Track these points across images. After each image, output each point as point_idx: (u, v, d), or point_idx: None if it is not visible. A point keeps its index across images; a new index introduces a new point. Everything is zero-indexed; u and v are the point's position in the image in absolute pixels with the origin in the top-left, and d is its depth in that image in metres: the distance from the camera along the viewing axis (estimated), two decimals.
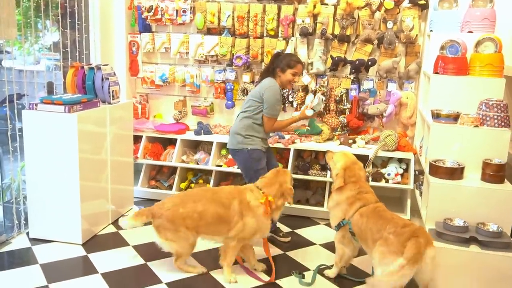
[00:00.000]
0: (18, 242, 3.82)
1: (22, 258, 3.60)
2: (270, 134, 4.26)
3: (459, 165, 3.41)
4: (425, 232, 2.97)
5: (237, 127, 3.88)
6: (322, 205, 4.51)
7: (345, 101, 4.76)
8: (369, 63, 4.62)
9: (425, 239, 2.85)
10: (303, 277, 3.45)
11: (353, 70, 4.69)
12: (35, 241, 3.84)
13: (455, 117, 3.53)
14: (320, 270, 3.50)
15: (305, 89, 4.84)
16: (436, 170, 3.41)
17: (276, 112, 3.84)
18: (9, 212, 3.97)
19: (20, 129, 3.85)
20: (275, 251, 3.85)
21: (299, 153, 4.72)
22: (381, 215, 3.14)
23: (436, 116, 3.59)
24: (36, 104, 3.74)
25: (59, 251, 3.70)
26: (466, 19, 4.04)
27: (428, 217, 3.37)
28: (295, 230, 4.27)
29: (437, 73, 3.84)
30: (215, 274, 3.45)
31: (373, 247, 3.03)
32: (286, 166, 4.57)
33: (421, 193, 4.00)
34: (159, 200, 4.78)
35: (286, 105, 4.88)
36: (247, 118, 3.85)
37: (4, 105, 4.09)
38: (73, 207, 3.78)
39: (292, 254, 3.83)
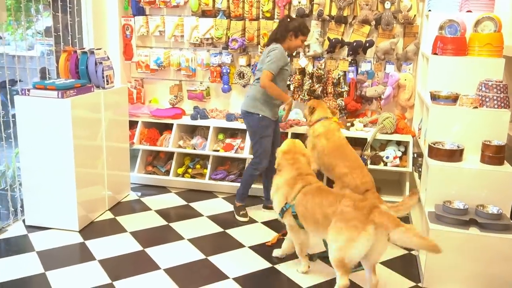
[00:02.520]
0: (14, 230, 3.79)
1: (18, 246, 3.56)
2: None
3: (458, 147, 3.37)
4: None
5: (252, 91, 4.03)
6: None
7: (343, 83, 4.70)
8: (367, 44, 4.56)
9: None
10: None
11: (351, 52, 4.63)
12: (31, 228, 3.81)
13: (454, 99, 3.49)
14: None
15: (302, 71, 4.78)
16: (435, 152, 3.37)
17: (275, 68, 3.84)
18: (5, 199, 3.93)
19: (14, 115, 3.79)
20: (272, 236, 3.84)
21: (297, 136, 4.67)
22: (328, 191, 3.13)
23: (435, 97, 3.54)
24: (28, 90, 3.67)
25: (55, 238, 3.67)
26: None
27: (428, 200, 3.34)
28: None
29: (435, 54, 3.78)
30: (213, 259, 3.44)
31: (324, 222, 2.91)
32: None
33: (420, 176, 3.97)
34: (156, 186, 4.78)
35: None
36: (259, 85, 3.94)
37: None
38: (69, 193, 3.73)
39: None
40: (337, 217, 2.83)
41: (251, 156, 4.25)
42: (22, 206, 3.91)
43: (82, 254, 3.47)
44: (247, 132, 4.24)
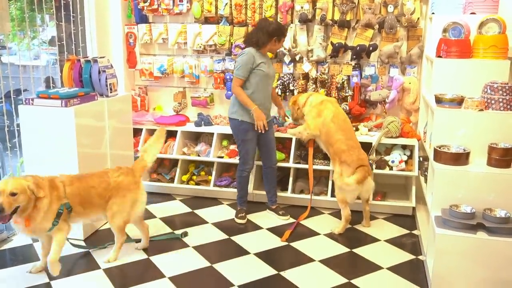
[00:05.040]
0: (19, 240, 3.79)
1: (23, 255, 3.57)
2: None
3: (464, 150, 3.33)
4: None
5: (233, 97, 4.15)
6: (326, 194, 4.46)
7: (347, 88, 4.68)
8: (371, 48, 4.53)
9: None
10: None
11: (354, 56, 4.61)
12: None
13: (459, 101, 3.45)
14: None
15: (306, 76, 4.76)
16: (441, 156, 3.34)
17: (242, 73, 3.95)
18: None
19: (19, 125, 3.80)
20: (277, 242, 3.82)
21: (301, 143, 4.65)
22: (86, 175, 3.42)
23: (440, 100, 3.50)
24: (32, 99, 3.68)
25: None
26: (468, 0, 3.94)
27: (434, 204, 3.30)
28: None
29: (440, 56, 3.75)
30: (218, 266, 3.41)
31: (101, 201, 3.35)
32: (288, 156, 4.51)
33: (426, 180, 3.93)
34: (161, 194, 4.78)
35: (287, 94, 4.81)
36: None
37: (0, 101, 4.05)
38: None
39: (295, 244, 3.78)
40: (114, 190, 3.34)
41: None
42: None
43: (87, 263, 3.46)
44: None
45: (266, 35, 3.92)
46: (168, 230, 4.03)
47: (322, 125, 4.12)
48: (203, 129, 4.81)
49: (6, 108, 3.94)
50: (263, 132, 4.06)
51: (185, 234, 3.91)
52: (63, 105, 3.61)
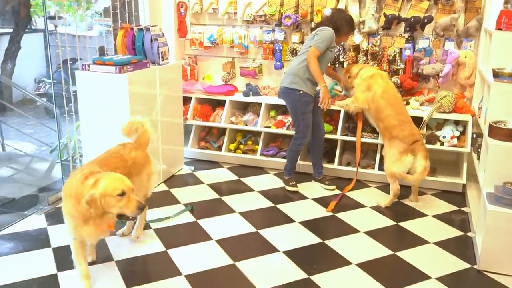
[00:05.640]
0: None
1: None
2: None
3: None
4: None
5: (294, 68, 4.09)
6: (373, 168, 4.42)
7: (399, 61, 4.56)
8: (425, 20, 4.39)
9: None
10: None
11: (408, 28, 4.47)
12: None
13: None
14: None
15: (357, 48, 4.68)
16: (496, 131, 3.22)
17: (323, 47, 3.96)
18: (67, 169, 4.13)
19: (75, 92, 3.96)
20: (322, 213, 3.84)
21: (350, 115, 4.60)
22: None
23: (498, 75, 3.37)
24: (88, 65, 3.82)
25: None
26: None
27: (486, 181, 3.21)
28: (345, 193, 4.22)
29: (500, 29, 3.60)
30: (263, 232, 3.48)
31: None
32: (336, 128, 4.49)
33: (478, 157, 3.82)
34: (209, 161, 4.87)
35: (337, 65, 4.75)
36: (303, 61, 4.02)
37: (59, 69, 4.20)
38: None
39: (341, 215, 3.80)
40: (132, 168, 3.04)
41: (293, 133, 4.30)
42: None
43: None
44: (288, 108, 4.26)
45: (347, 27, 4.11)
46: (215, 195, 4.12)
47: (372, 100, 4.08)
48: (251, 99, 4.84)
49: (60, 76, 4.11)
50: (328, 108, 4.15)
51: (192, 208, 3.86)
52: (117, 71, 3.72)
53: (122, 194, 2.55)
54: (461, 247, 3.35)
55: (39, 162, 5.16)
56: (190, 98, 4.96)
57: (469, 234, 3.53)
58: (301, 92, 4.04)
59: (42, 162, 5.07)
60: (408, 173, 3.92)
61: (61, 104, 4.11)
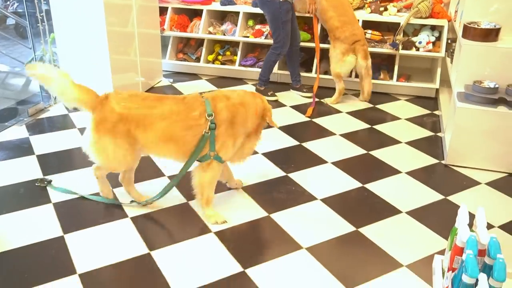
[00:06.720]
0: (55, 110, 4.01)
1: (60, 123, 3.78)
2: None
3: (495, 27, 3.27)
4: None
5: None
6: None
7: None
8: None
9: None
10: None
11: None
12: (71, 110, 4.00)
13: None
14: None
15: None
16: (470, 32, 3.28)
17: None
18: None
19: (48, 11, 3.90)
20: (301, 118, 3.93)
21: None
22: None
23: None
24: None
25: None
26: None
27: (458, 80, 3.32)
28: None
29: None
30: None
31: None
32: (313, 37, 4.48)
33: (452, 61, 3.90)
34: (187, 74, 4.86)
35: None
36: None
37: None
38: (105, 79, 3.88)
39: (318, 120, 3.91)
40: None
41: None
42: None
43: None
44: (267, 18, 4.17)
45: None
46: None
47: (318, 2, 4.11)
48: (229, 8, 4.75)
49: None
50: (313, 13, 4.14)
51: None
52: None
53: None
54: (431, 145, 3.52)
55: (15, 78, 5.09)
56: (167, 8, 4.85)
57: (439, 134, 3.69)
58: (281, 0, 3.96)
59: (18, 78, 5.01)
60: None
61: (33, 22, 4.01)
